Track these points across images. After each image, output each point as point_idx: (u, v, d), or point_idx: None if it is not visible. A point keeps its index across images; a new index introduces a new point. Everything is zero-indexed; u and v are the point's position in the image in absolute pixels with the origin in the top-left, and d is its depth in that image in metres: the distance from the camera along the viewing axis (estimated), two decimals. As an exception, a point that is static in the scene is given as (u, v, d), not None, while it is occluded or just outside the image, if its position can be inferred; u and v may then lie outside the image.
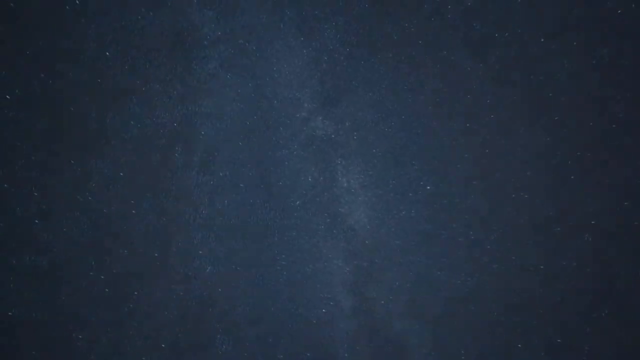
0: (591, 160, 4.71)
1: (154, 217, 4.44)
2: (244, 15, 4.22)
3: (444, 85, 4.74)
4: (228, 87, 4.38)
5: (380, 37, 4.54)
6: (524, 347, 4.91)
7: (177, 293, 4.61)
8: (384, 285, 4.97)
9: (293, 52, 4.47)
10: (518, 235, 4.93)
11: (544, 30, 4.46)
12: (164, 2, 3.94)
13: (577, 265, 4.77)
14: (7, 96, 3.62)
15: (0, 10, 3.28)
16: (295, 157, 4.68)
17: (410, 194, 4.84)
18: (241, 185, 4.58)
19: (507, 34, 4.64)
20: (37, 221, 4.02)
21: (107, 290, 4.30)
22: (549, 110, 4.71)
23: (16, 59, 3.54)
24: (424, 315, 5.08)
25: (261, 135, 4.59)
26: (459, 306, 5.11)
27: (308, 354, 4.77)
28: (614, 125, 4.57)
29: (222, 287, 4.66)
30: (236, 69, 4.35)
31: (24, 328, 4.18)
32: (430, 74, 4.67)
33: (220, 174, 4.53)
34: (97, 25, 3.83)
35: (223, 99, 4.39)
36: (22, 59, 3.60)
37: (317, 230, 4.77)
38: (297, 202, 4.72)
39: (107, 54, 3.93)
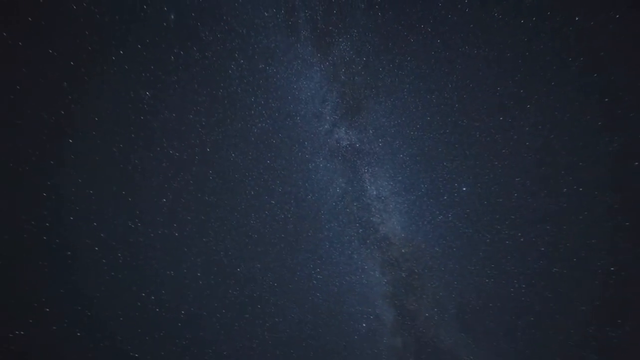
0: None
1: (196, 236, 4.72)
2: (263, 41, 4.50)
3: (470, 80, 4.53)
4: (252, 110, 4.63)
5: (396, 42, 4.52)
6: (602, 363, 4.22)
7: (220, 311, 4.77)
8: (426, 297, 4.67)
9: (311, 69, 4.62)
10: (579, 234, 4.39)
11: (576, 15, 4.11)
12: (193, 35, 4.36)
13: (657, 264, 4.08)
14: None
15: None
16: (322, 169, 4.73)
17: (445, 197, 4.59)
18: (272, 202, 4.72)
19: (534, 18, 4.35)
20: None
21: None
22: (600, 93, 4.25)
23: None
24: (477, 328, 4.65)
25: (287, 152, 4.73)
26: (516, 317, 4.61)
27: (353, 372, 4.59)
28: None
29: (260, 304, 4.73)
30: (259, 92, 4.61)
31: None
32: (454, 71, 4.51)
33: (252, 193, 4.71)
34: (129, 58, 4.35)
35: (249, 121, 4.65)
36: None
37: (350, 242, 4.70)
38: (328, 215, 4.72)
39: (148, 94, 4.41)
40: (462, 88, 4.48)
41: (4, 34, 3.77)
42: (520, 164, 4.48)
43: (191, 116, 4.53)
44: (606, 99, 4.25)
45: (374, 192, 4.59)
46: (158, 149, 4.54)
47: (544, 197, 4.46)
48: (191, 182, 4.63)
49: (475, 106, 4.52)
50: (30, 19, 3.89)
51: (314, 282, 4.63)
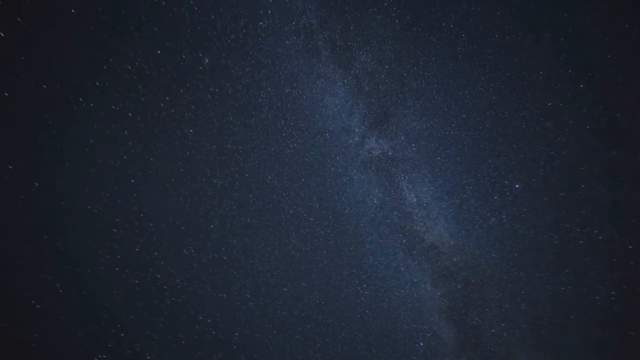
0: None
1: (242, 259, 4.92)
2: (287, 67, 4.76)
3: (506, 69, 4.21)
4: (283, 132, 4.83)
5: (418, 44, 4.43)
6: None
7: (271, 333, 4.81)
8: (490, 310, 4.18)
9: (335, 85, 4.72)
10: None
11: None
12: (225, 73, 4.79)
13: None
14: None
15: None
16: (356, 181, 4.67)
17: (496, 197, 4.18)
18: (310, 219, 4.76)
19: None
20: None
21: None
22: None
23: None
24: (558, 346, 4.00)
25: (320, 168, 4.79)
26: (609, 331, 3.88)
27: (414, 398, 4.21)
28: None
29: (310, 324, 4.67)
30: (288, 115, 4.82)
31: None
32: (485, 63, 4.24)
33: (291, 211, 4.81)
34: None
35: (281, 143, 4.85)
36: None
37: (394, 254, 4.47)
38: (368, 227, 4.59)
39: (191, 131, 4.90)
40: (498, 78, 4.17)
41: (59, 85, 4.56)
42: (583, 151, 3.94)
43: (229, 145, 4.88)
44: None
45: (414, 200, 4.36)
46: (203, 179, 4.94)
47: (621, 186, 3.83)
48: (234, 207, 4.91)
49: (517, 95, 4.15)
50: (96, 83, 4.66)
51: (362, 298, 4.46)
